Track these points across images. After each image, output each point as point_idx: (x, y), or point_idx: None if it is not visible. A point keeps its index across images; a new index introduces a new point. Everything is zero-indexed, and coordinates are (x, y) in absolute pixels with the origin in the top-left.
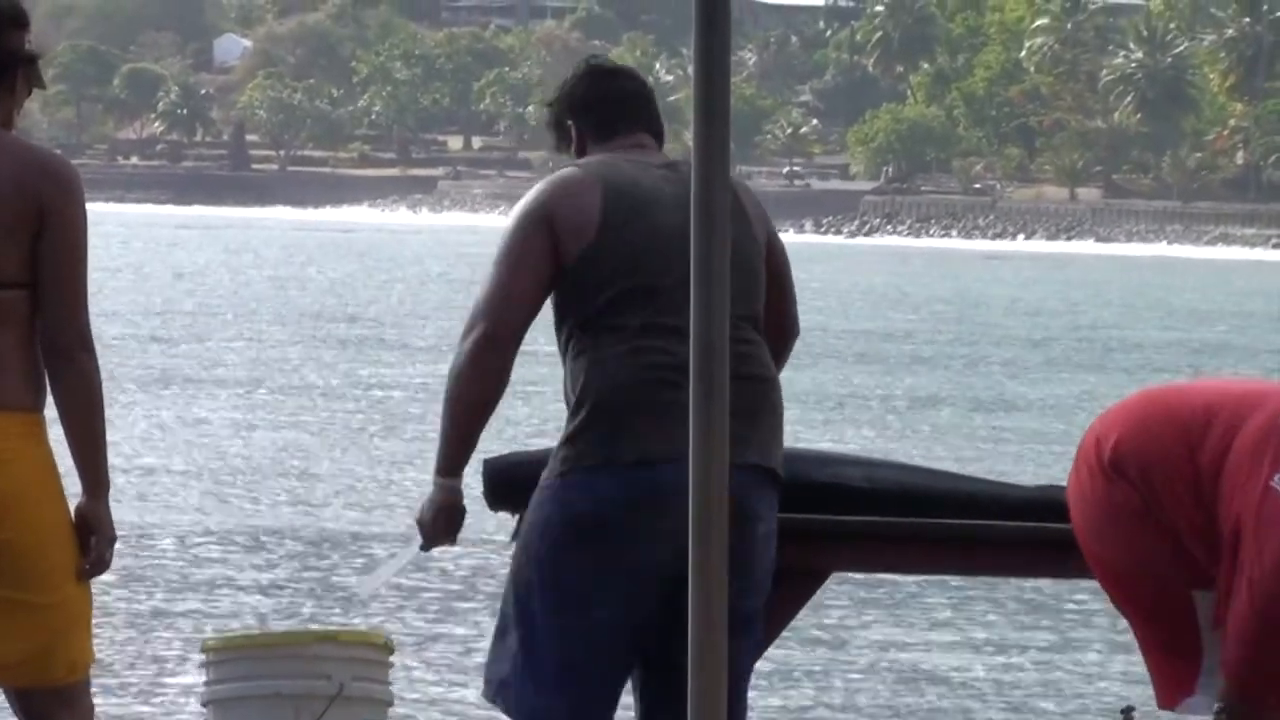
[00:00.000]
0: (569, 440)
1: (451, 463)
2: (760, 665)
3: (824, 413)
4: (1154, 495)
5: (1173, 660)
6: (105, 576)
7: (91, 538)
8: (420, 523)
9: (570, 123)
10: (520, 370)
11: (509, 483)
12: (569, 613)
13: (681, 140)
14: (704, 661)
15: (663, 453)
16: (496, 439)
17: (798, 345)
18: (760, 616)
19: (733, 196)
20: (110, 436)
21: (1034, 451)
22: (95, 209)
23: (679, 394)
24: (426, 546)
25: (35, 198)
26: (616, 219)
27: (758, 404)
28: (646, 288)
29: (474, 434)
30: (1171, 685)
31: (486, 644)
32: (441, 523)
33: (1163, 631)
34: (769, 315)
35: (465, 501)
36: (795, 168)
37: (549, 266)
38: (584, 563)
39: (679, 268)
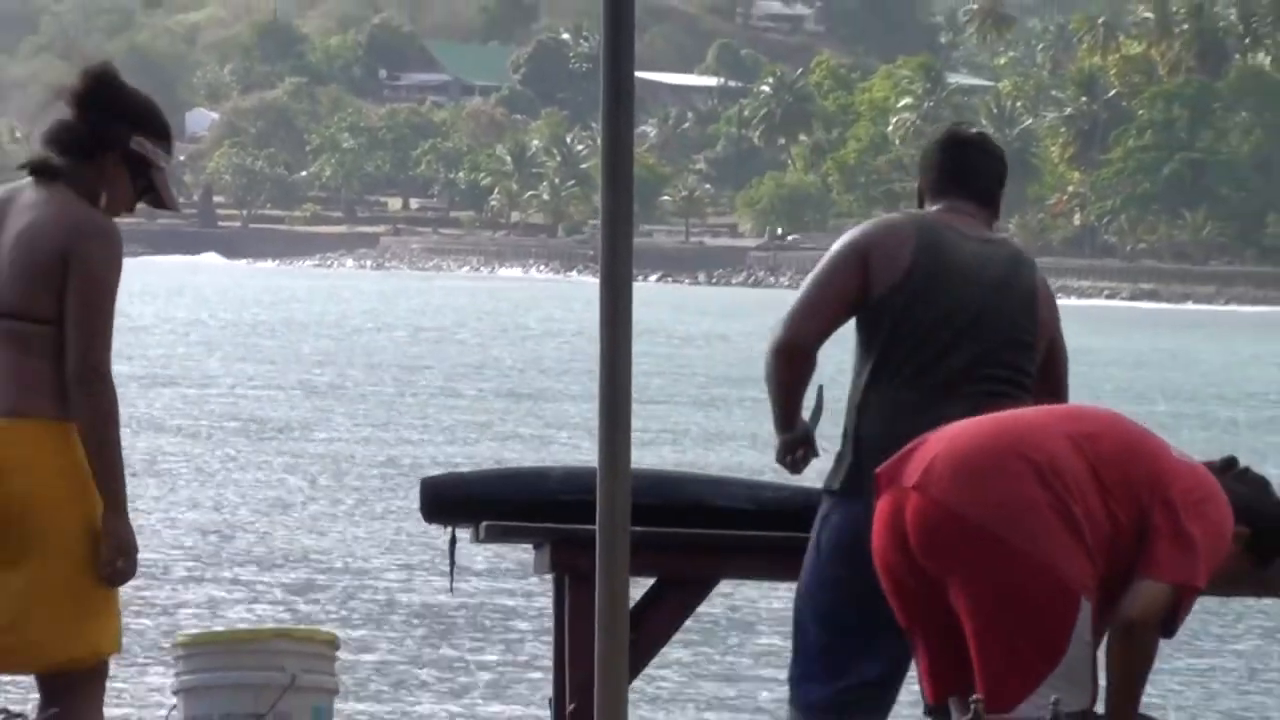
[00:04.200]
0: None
1: (779, 424)
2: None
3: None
4: (1075, 504)
5: (1028, 661)
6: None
7: (103, 545)
8: (779, 462)
9: (920, 177)
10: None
11: (442, 499)
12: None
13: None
14: (608, 661)
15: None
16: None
17: None
18: None
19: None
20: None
21: None
22: None
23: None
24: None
25: (62, 251)
26: (920, 272)
27: None
28: (925, 339)
29: (787, 408)
30: (1018, 685)
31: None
32: (787, 454)
33: (1036, 630)
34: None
35: (415, 512)
36: (780, 231)
37: (856, 292)
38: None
39: (960, 333)
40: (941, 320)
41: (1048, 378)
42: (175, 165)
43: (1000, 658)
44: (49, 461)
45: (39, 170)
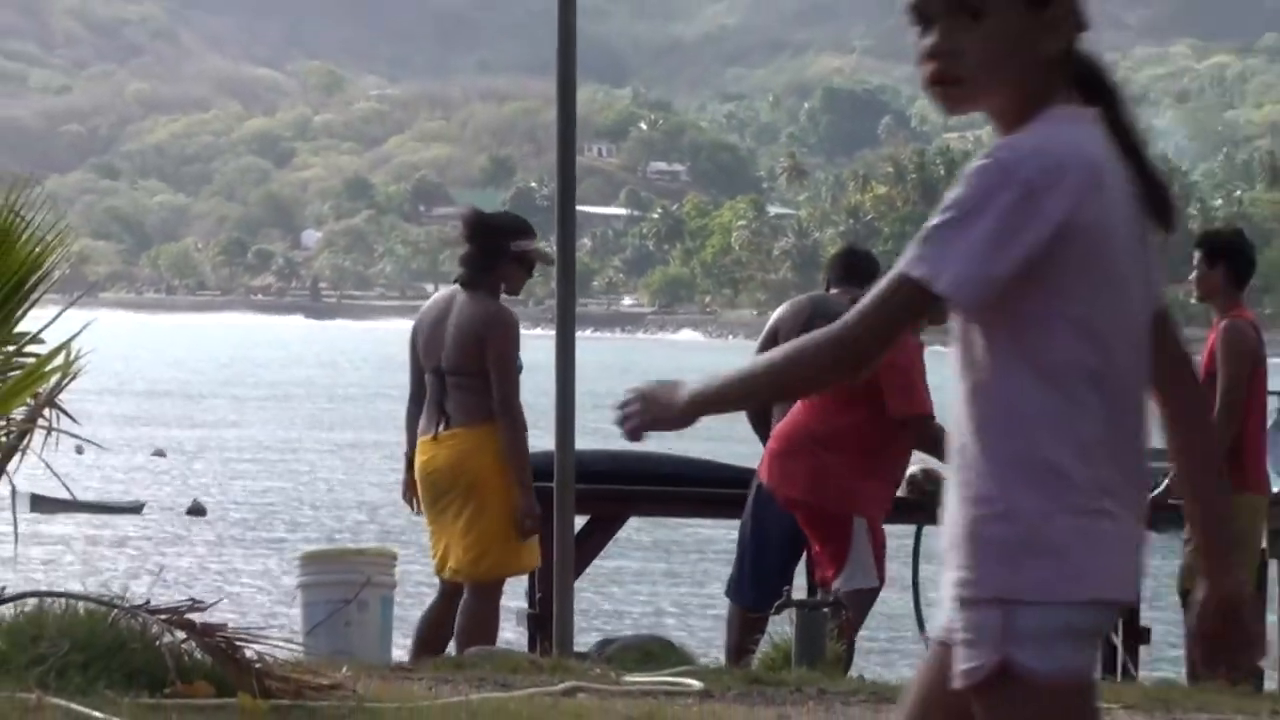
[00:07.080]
0: None
1: None
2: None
3: None
4: (831, 453)
5: (832, 558)
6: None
7: (516, 511)
8: None
9: (827, 271)
10: None
11: None
12: None
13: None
14: (562, 611)
15: None
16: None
17: None
18: None
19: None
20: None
21: None
22: (237, 319)
23: None
24: None
25: (479, 334)
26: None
27: None
28: None
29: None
30: (829, 572)
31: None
32: None
33: (832, 538)
34: None
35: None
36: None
37: None
38: None
39: None
40: None
41: None
42: (296, 264)
43: (819, 559)
44: (485, 453)
45: (463, 283)
